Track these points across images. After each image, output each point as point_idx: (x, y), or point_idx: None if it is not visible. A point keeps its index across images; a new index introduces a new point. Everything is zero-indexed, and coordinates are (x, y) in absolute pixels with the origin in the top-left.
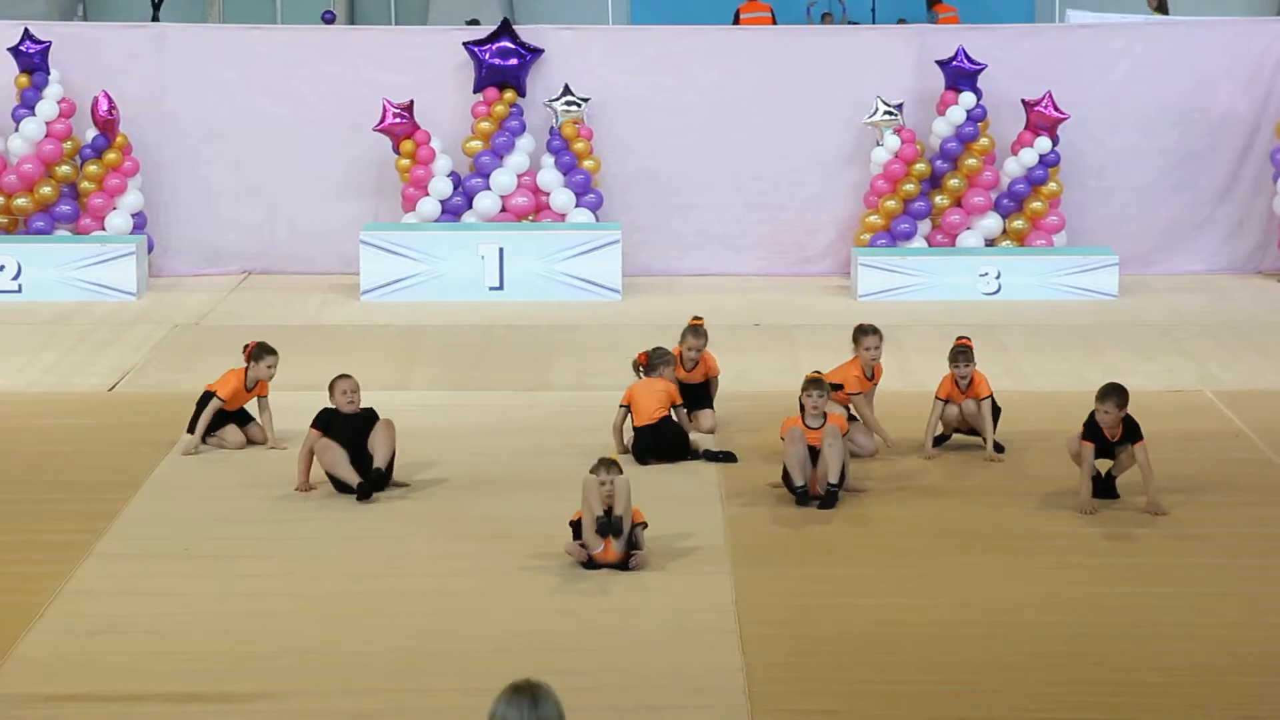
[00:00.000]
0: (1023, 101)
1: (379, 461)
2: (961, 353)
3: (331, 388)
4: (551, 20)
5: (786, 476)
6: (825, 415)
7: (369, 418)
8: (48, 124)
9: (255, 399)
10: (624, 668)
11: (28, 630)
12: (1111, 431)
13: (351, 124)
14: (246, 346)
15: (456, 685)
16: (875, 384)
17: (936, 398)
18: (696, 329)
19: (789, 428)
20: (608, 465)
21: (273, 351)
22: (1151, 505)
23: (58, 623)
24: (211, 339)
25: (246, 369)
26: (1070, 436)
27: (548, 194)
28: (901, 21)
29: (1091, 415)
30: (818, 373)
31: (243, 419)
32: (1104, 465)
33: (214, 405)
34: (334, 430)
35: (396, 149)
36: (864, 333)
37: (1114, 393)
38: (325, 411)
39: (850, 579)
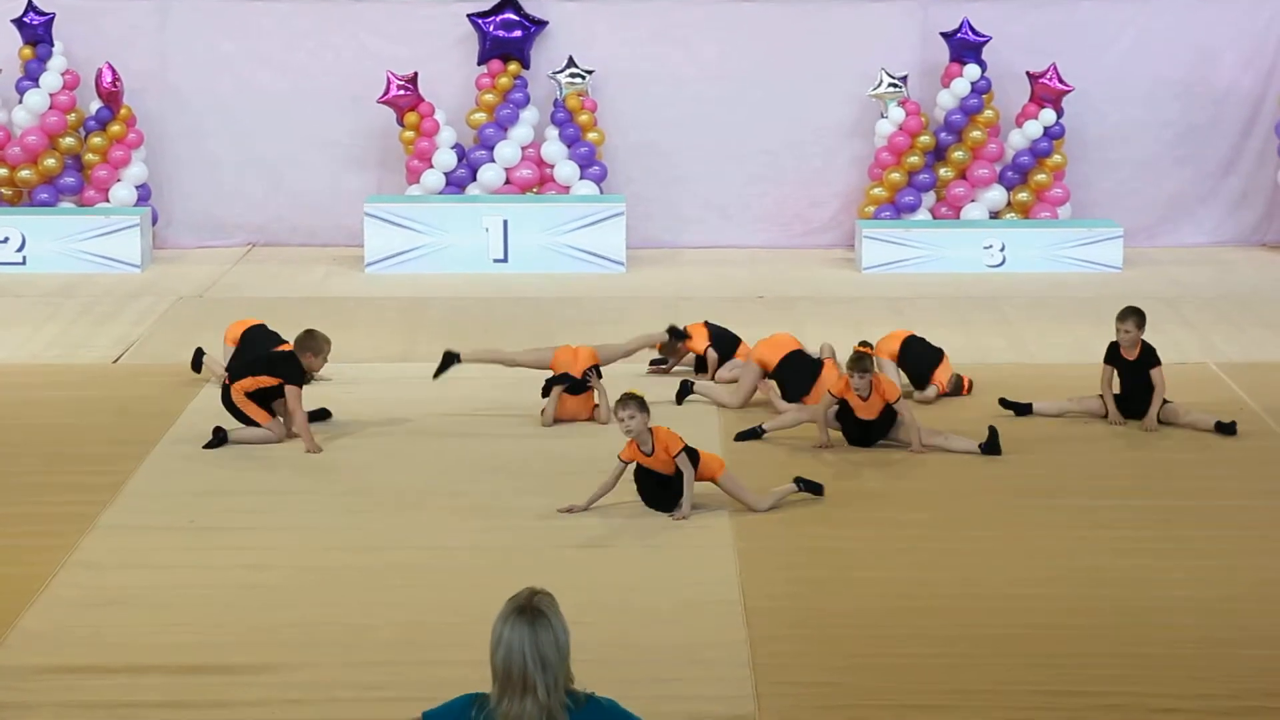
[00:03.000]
0: (1027, 74)
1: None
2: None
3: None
4: None
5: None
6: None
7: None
8: (51, 96)
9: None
10: (628, 640)
11: (31, 602)
12: (1129, 352)
13: (355, 96)
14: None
15: (460, 658)
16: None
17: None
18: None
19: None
20: (624, 401)
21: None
22: (1148, 422)
23: (61, 595)
24: (215, 311)
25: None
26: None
27: (552, 166)
28: None
29: (1113, 343)
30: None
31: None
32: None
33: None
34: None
35: (400, 121)
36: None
37: (1133, 313)
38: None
39: (854, 552)
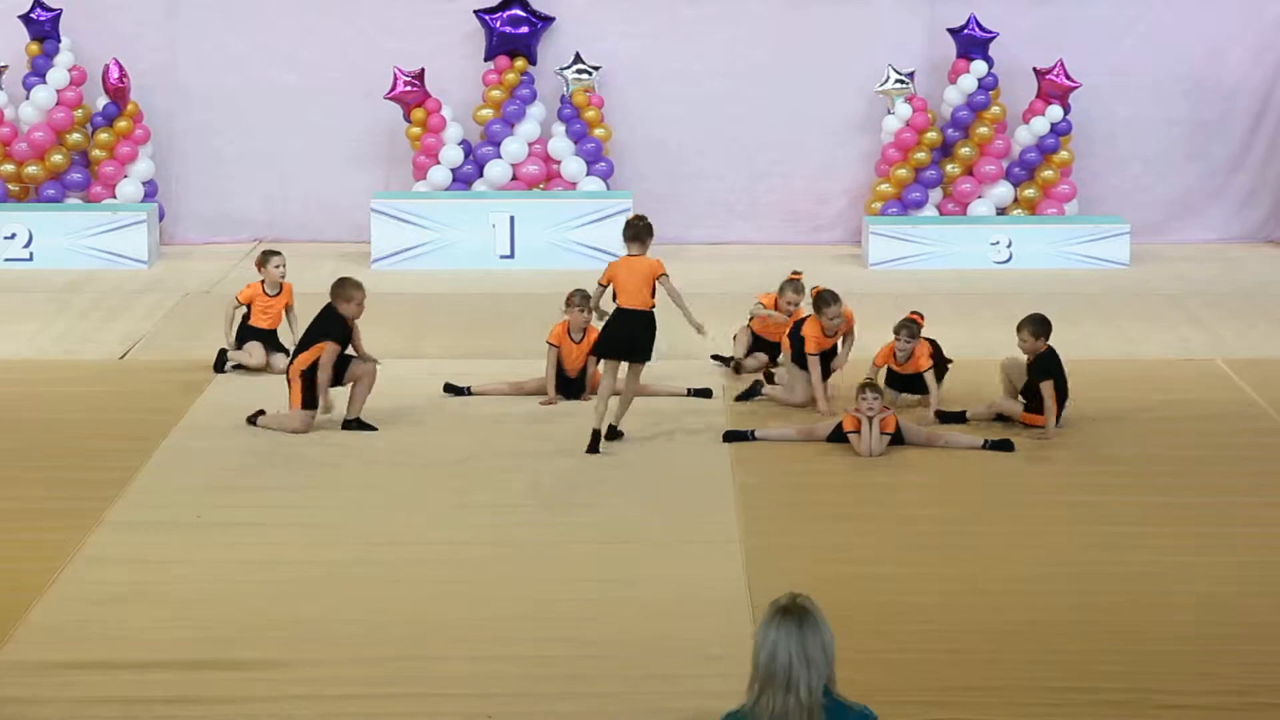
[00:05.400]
0: (1034, 69)
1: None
2: (905, 326)
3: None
4: None
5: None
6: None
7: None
8: (59, 92)
9: (285, 313)
10: (635, 637)
11: (39, 598)
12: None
13: (363, 92)
14: (256, 260)
15: (467, 654)
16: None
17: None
18: (795, 283)
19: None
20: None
21: (278, 252)
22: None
23: (69, 591)
24: (222, 307)
25: (262, 281)
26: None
27: (559, 162)
28: None
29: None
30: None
31: (273, 345)
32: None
33: (230, 306)
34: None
35: (407, 117)
36: (825, 302)
37: (1026, 323)
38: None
39: (860, 548)
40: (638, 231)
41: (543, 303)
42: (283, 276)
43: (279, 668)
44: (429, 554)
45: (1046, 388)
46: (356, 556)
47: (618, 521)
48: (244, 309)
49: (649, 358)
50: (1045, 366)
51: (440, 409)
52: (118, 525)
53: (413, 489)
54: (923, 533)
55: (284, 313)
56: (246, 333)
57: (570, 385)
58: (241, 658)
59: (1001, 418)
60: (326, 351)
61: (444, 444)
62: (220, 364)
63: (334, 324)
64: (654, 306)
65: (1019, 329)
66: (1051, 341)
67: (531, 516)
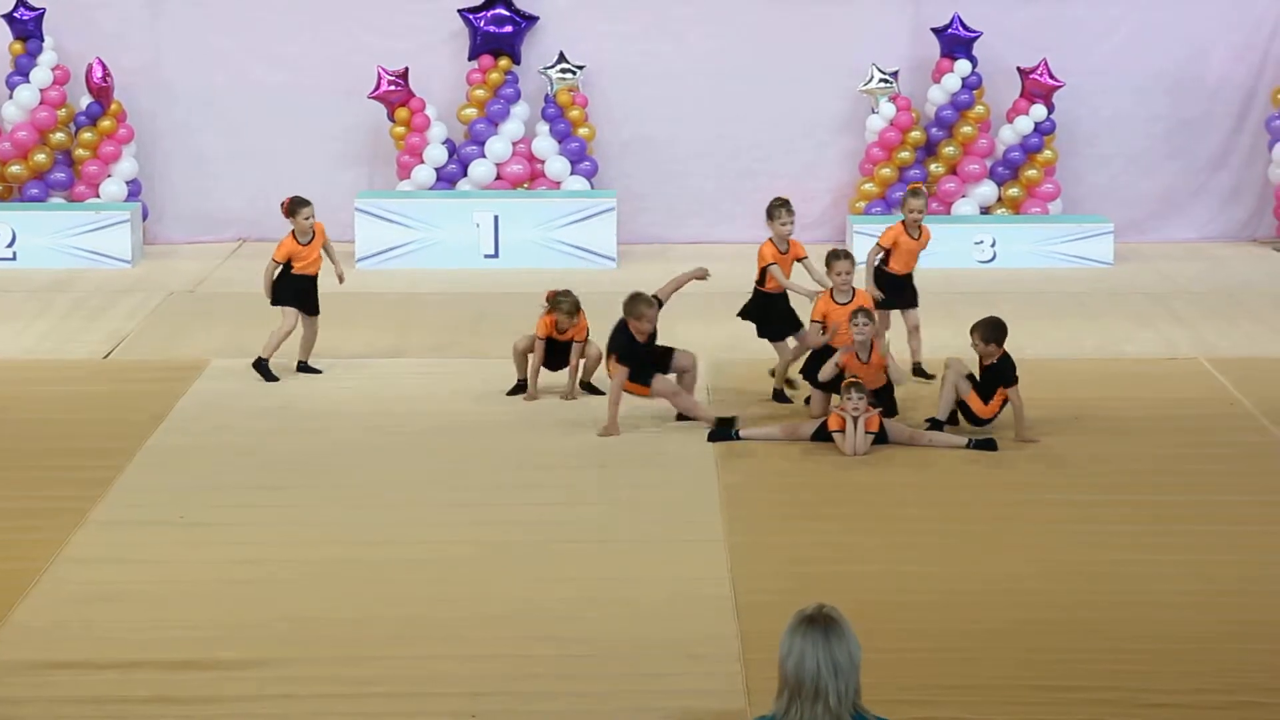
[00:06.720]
0: (1018, 69)
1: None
2: (859, 310)
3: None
4: None
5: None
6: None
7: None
8: (42, 91)
9: (322, 251)
10: (620, 635)
11: (22, 598)
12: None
13: (346, 91)
14: (282, 205)
15: (455, 653)
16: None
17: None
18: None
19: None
20: None
21: (307, 202)
22: (1021, 438)
23: (52, 590)
24: (206, 306)
25: (293, 232)
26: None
27: (543, 161)
28: None
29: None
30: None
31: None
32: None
33: (270, 269)
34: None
35: (391, 116)
36: (836, 256)
37: (979, 327)
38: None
39: (845, 546)
40: (767, 210)
41: (527, 302)
42: (312, 225)
43: (263, 667)
44: (415, 553)
45: (1014, 393)
46: (341, 555)
47: (602, 521)
48: (282, 266)
49: (764, 335)
50: (1008, 371)
51: (424, 408)
52: (101, 525)
53: (398, 488)
54: (907, 532)
55: (322, 253)
56: (290, 282)
57: (555, 351)
58: (225, 657)
59: (961, 405)
60: (617, 376)
61: (429, 443)
62: (265, 372)
63: (620, 338)
64: (769, 289)
65: (972, 331)
66: (1036, 341)
67: (516, 515)
